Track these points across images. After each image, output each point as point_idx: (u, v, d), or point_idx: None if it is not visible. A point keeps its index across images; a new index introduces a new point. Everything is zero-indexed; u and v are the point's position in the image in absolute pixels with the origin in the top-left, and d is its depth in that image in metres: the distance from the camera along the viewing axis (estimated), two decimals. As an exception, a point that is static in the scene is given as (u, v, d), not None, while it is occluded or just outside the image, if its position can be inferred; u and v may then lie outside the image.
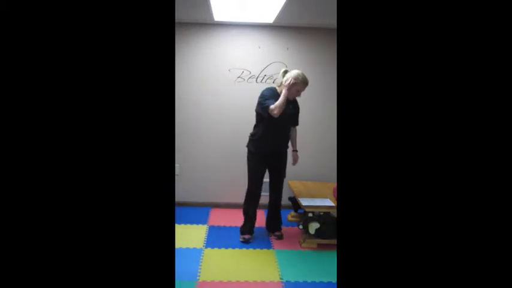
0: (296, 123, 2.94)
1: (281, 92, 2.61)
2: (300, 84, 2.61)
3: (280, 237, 2.99)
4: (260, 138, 2.75)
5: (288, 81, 2.58)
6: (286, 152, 2.92)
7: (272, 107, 2.54)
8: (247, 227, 2.92)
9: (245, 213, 2.93)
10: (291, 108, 2.77)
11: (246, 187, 2.91)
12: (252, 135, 2.84)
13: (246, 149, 2.93)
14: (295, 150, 3.01)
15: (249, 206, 2.90)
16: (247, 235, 2.90)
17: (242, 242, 2.88)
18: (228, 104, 3.58)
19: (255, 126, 2.82)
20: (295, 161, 2.99)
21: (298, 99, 3.55)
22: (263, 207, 3.19)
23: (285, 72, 2.69)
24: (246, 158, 2.91)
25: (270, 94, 2.66)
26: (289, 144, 2.95)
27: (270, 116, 2.59)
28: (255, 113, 2.80)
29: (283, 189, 3.62)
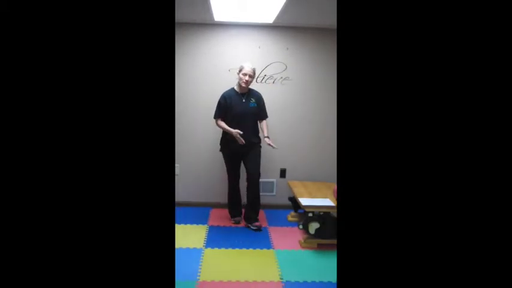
0: (262, 117, 3.11)
1: (239, 89, 3.01)
2: (240, 72, 2.93)
3: (258, 229, 3.11)
4: (225, 137, 3.04)
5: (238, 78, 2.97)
6: (255, 146, 3.07)
7: (216, 119, 3.02)
8: (236, 209, 3.28)
9: (230, 198, 3.26)
10: (253, 102, 3.03)
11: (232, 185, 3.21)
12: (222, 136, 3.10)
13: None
14: (266, 137, 3.08)
15: (232, 191, 3.23)
16: (238, 217, 3.27)
17: (234, 223, 3.24)
18: (228, 104, 3.58)
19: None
20: (268, 144, 3.05)
21: (297, 100, 3.57)
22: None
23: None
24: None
25: (223, 100, 3.00)
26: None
27: (226, 116, 2.97)
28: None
29: (283, 189, 3.65)
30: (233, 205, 3.29)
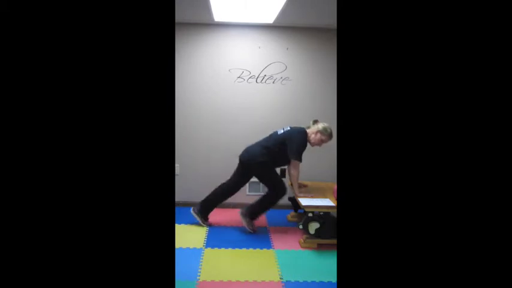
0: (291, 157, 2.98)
1: (310, 143, 2.96)
2: (326, 135, 2.94)
3: (253, 232, 3.10)
4: (269, 156, 2.93)
5: (317, 133, 2.94)
6: None
7: (294, 168, 2.91)
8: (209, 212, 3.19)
9: (215, 204, 3.16)
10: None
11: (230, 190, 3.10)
12: (268, 150, 2.94)
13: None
14: (305, 186, 3.19)
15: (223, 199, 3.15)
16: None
17: (210, 225, 3.17)
18: (228, 103, 3.58)
19: (278, 148, 2.93)
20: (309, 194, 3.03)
21: (297, 100, 3.58)
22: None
23: (315, 121, 3.01)
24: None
25: (303, 142, 2.93)
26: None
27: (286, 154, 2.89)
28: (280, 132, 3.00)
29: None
30: (213, 207, 3.20)
